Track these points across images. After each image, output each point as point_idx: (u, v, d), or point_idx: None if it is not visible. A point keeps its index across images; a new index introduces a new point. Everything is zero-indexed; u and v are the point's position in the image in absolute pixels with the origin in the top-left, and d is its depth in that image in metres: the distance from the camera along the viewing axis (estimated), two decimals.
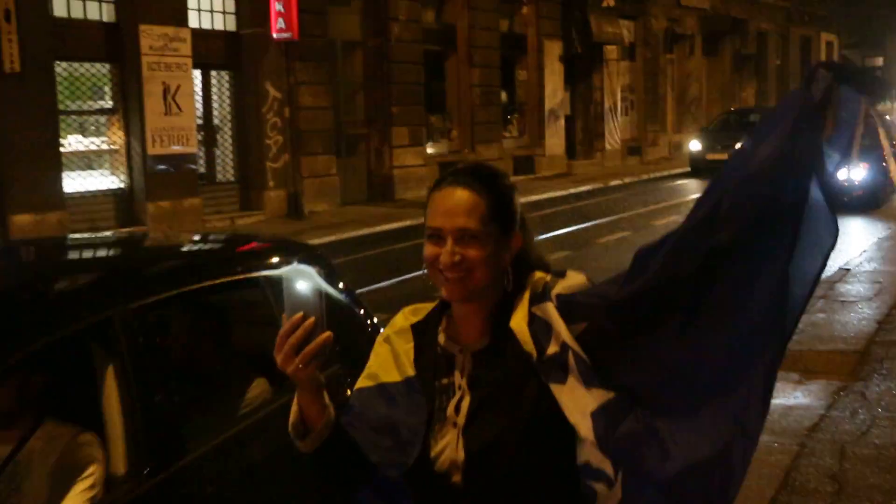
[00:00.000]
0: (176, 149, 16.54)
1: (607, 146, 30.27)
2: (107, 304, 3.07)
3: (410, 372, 2.09)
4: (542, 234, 15.97)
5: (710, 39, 36.23)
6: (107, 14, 15.95)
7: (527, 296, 2.02)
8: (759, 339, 1.87)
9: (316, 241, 15.67)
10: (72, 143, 15.81)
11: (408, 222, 17.72)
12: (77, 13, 15.55)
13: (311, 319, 1.86)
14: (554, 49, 27.36)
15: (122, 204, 16.28)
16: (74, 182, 15.62)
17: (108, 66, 16.22)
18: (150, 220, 16.06)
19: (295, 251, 4.35)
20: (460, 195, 1.97)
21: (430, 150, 22.85)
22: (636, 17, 31.61)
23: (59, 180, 15.06)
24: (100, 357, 3.04)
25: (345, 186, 20.03)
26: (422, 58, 22.30)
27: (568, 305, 1.96)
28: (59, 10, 15.17)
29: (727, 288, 1.86)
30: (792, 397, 7.02)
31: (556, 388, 1.93)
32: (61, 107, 15.42)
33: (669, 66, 34.29)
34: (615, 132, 30.83)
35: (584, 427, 1.89)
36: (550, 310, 1.96)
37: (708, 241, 1.82)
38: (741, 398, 1.87)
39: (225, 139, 18.53)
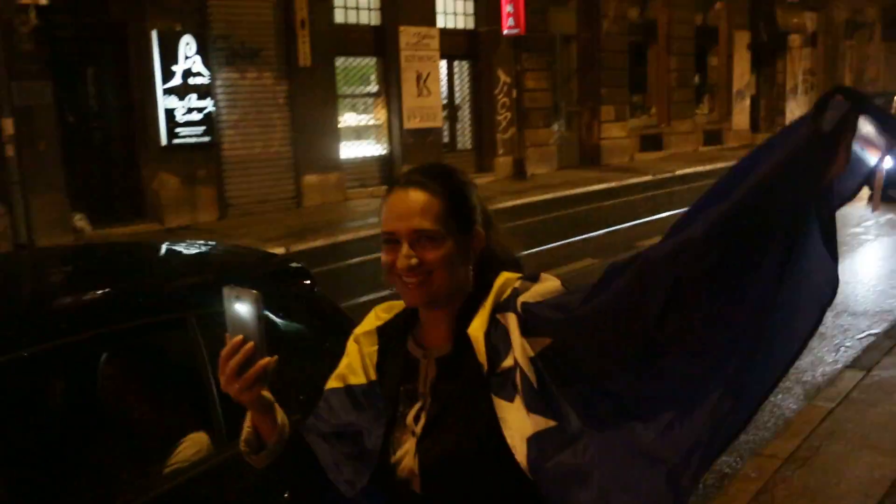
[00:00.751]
0: (426, 123, 17.01)
1: (787, 122, 28.72)
2: None
3: (373, 376, 1.71)
4: None
5: (890, 26, 33.42)
6: (374, 19, 16.48)
7: (490, 299, 1.58)
8: (716, 393, 1.42)
9: (536, 198, 15.97)
10: (347, 119, 16.41)
11: (613, 184, 17.65)
12: (352, 19, 16.15)
13: (251, 343, 1.53)
14: (743, 38, 26.23)
15: (383, 167, 16.82)
16: (348, 149, 16.20)
17: (374, 59, 16.71)
18: None
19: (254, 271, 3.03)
20: (413, 196, 1.57)
21: (631, 125, 22.53)
22: (819, 9, 29.72)
23: (337, 148, 15.70)
24: None
25: (560, 154, 20.10)
26: (627, 47, 21.90)
27: (532, 317, 1.52)
28: (338, 17, 15.78)
29: (688, 328, 1.40)
30: None
31: (502, 405, 1.51)
32: (339, 92, 16.03)
33: (849, 51, 32.04)
34: (795, 110, 29.21)
35: (520, 452, 1.49)
36: (511, 321, 1.53)
37: (676, 271, 1.37)
38: (682, 454, 1.44)
39: (464, 115, 18.83)
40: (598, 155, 21.11)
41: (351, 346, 1.76)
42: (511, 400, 1.50)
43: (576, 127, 21.17)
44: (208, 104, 13.61)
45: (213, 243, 3.66)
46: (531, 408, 1.49)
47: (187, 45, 13.29)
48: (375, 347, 1.72)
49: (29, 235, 11.68)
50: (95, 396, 2.68)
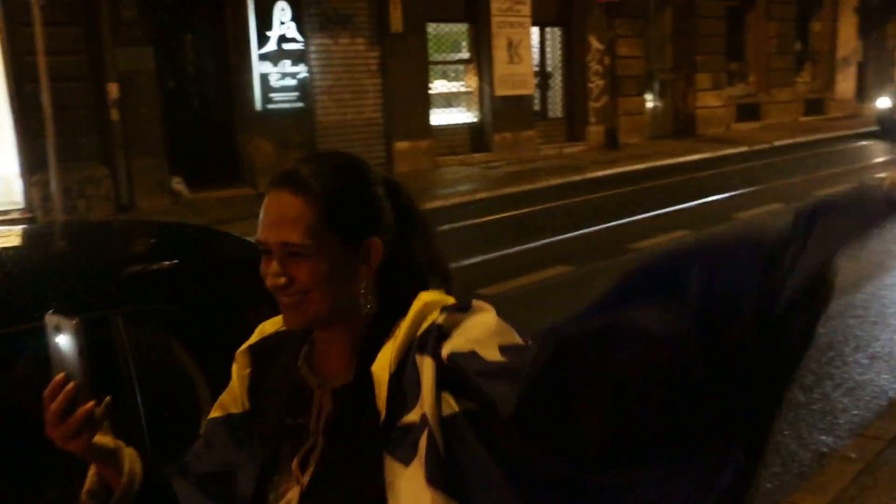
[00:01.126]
0: (517, 91, 16.86)
1: None
2: None
3: (247, 405, 1.43)
4: (828, 169, 15.02)
5: None
6: None
7: (404, 330, 1.28)
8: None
9: (628, 168, 15.75)
10: (437, 86, 16.48)
11: (707, 154, 17.25)
12: None
13: (72, 383, 1.29)
14: (850, 1, 25.18)
15: (474, 134, 16.84)
16: (439, 117, 16.27)
17: (465, 25, 16.66)
18: (496, 147, 16.61)
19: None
20: (286, 200, 1.29)
21: (728, 93, 21.93)
22: None
23: (427, 115, 15.77)
24: None
25: (654, 123, 19.74)
26: (724, 13, 21.30)
27: (459, 374, 1.20)
28: None
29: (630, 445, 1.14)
30: None
31: (394, 468, 1.23)
32: (430, 58, 16.08)
33: None
34: None
35: None
36: (427, 368, 1.22)
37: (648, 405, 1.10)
38: None
39: (555, 83, 18.66)
40: (693, 124, 20.66)
41: (234, 367, 1.47)
42: (407, 464, 1.22)
43: (670, 95, 20.74)
44: (302, 70, 13.78)
45: (184, 225, 3.08)
46: (432, 480, 1.19)
47: (282, 11, 13.49)
48: (248, 370, 1.45)
49: (130, 198, 12.09)
50: (13, 403, 2.24)
